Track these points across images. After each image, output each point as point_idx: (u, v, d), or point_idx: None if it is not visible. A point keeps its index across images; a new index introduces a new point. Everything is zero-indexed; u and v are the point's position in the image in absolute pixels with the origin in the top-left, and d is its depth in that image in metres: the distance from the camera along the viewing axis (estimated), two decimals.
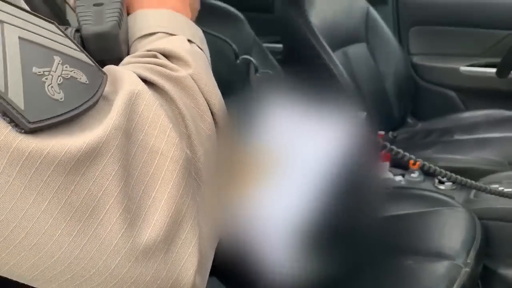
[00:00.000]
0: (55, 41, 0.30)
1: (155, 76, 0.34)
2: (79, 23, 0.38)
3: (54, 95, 0.27)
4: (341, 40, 1.70)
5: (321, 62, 1.55)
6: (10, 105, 0.25)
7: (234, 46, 0.69)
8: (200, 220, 0.32)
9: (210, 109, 0.36)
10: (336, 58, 1.60)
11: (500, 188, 1.08)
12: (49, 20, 0.32)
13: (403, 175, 1.51)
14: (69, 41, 0.31)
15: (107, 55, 0.37)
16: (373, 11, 1.82)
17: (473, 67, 1.80)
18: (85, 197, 0.27)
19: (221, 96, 0.38)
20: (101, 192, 0.27)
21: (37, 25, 0.30)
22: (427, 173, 1.45)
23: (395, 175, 1.51)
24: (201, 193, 0.33)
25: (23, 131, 0.26)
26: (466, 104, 1.87)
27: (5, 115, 0.25)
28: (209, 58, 0.43)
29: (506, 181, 1.23)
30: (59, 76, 0.28)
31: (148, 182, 0.29)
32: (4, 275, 0.29)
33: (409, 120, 1.93)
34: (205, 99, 0.36)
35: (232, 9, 1.30)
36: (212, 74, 0.39)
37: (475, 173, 1.33)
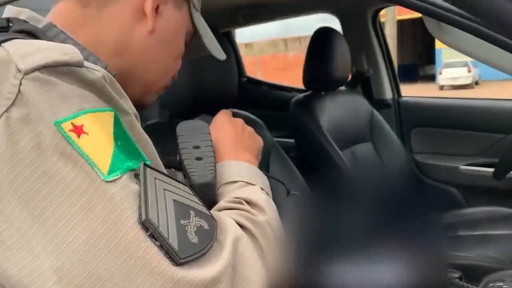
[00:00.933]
0: (189, 199, 0.44)
1: (244, 220, 0.48)
2: (187, 174, 0.52)
3: (192, 239, 0.41)
4: (349, 140, 1.85)
5: (331, 161, 1.69)
6: (171, 247, 0.39)
7: (286, 185, 0.84)
8: None
9: (279, 247, 0.49)
10: (344, 157, 1.74)
11: (504, 287, 1.15)
12: (184, 183, 0.46)
13: None
14: (196, 198, 0.45)
15: (205, 198, 0.50)
16: (377, 114, 2.00)
17: (472, 166, 1.94)
18: None
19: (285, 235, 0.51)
20: None
21: (179, 188, 0.44)
22: None
23: None
24: None
25: (175, 264, 0.39)
26: (467, 200, 1.98)
27: (166, 253, 0.39)
28: (271, 197, 0.58)
29: (509, 280, 1.30)
30: (194, 225, 0.42)
31: None
32: None
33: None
34: (276, 239, 0.49)
35: (252, 116, 1.44)
36: (279, 217, 0.53)
37: (480, 271, 1.40)
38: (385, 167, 1.94)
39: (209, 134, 0.61)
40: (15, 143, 0.40)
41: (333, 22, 2.22)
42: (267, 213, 0.51)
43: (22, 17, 0.56)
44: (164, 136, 0.76)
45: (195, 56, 0.77)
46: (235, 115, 1.42)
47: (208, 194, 0.52)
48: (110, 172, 0.40)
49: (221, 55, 0.73)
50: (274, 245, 0.48)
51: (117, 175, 0.41)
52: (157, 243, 0.39)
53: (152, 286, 0.38)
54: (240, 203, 0.51)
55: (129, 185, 0.41)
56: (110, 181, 0.40)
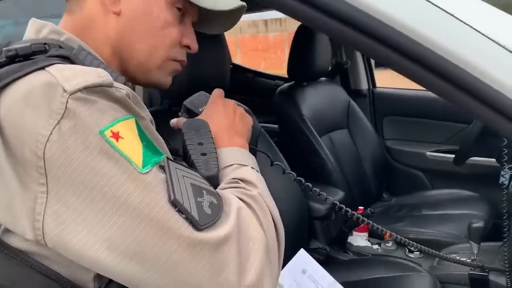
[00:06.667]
0: (201, 182, 0.58)
1: (242, 195, 0.62)
2: (195, 167, 0.64)
3: (207, 211, 0.55)
4: (327, 127, 2.02)
5: (311, 147, 1.86)
6: (193, 218, 0.53)
7: (270, 156, 0.96)
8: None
9: (270, 212, 0.63)
10: (323, 142, 1.91)
11: (457, 258, 1.35)
12: (195, 169, 0.61)
13: (379, 244, 1.78)
14: (206, 181, 0.59)
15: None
16: (353, 103, 2.17)
17: (437, 152, 2.14)
18: (221, 260, 0.54)
19: (275, 205, 0.65)
20: (229, 257, 0.54)
21: (193, 174, 0.58)
22: (399, 243, 1.73)
23: (372, 244, 1.78)
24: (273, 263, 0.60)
25: (197, 230, 0.53)
26: (432, 183, 2.19)
27: (191, 223, 0.53)
28: (260, 173, 0.70)
29: (462, 252, 1.51)
30: (207, 201, 0.56)
31: (248, 253, 0.56)
32: None
33: (385, 195, 2.23)
34: (267, 206, 0.63)
35: (241, 104, 1.58)
36: (268, 190, 0.67)
37: (438, 245, 1.61)
38: (359, 152, 2.12)
39: (210, 131, 0.71)
40: (67, 148, 0.51)
41: None
42: (258, 187, 0.64)
43: (45, 30, 0.67)
44: (162, 123, 0.81)
45: (205, 30, 0.80)
46: None
47: (213, 184, 0.63)
48: (144, 166, 0.54)
49: (223, 5, 0.72)
50: (266, 211, 0.62)
51: (149, 168, 0.53)
52: (183, 215, 0.53)
53: (181, 246, 0.52)
54: (237, 182, 0.64)
55: (159, 175, 0.54)
56: (145, 173, 0.53)
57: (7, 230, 0.56)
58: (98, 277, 0.57)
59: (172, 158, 0.59)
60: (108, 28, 0.68)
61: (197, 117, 0.79)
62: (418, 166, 2.21)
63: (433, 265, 1.56)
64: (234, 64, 2.68)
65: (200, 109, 0.82)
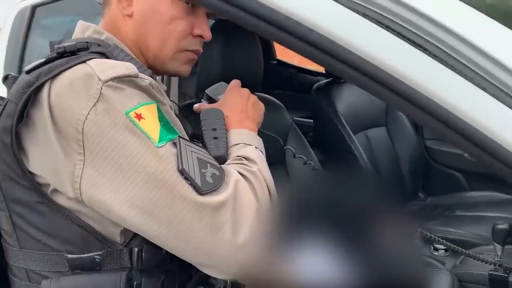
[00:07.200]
0: (207, 157, 0.69)
1: (243, 170, 0.72)
2: (206, 148, 0.75)
3: (209, 180, 0.66)
4: (363, 124, 2.05)
5: (344, 144, 1.91)
6: (196, 185, 0.64)
7: (280, 140, 1.05)
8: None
9: (267, 186, 0.73)
10: (357, 140, 1.95)
11: (479, 256, 1.36)
12: (203, 146, 0.72)
13: None
14: (211, 157, 0.70)
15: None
16: None
17: None
18: (218, 221, 0.64)
19: (273, 181, 0.74)
20: (225, 219, 0.64)
21: (201, 150, 0.69)
22: (427, 240, 1.74)
23: None
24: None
25: (199, 194, 0.64)
26: (470, 184, 2.16)
27: (194, 188, 0.64)
28: (264, 154, 0.80)
29: (486, 253, 1.51)
30: (210, 172, 0.66)
31: (242, 218, 0.65)
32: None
33: (420, 194, 2.23)
34: (265, 181, 0.73)
35: (273, 99, 1.65)
36: (268, 168, 0.76)
37: (464, 245, 1.61)
38: (396, 150, 2.14)
39: (223, 119, 0.82)
40: (101, 125, 0.63)
41: None
42: (258, 164, 0.74)
43: (89, 31, 0.81)
44: (195, 113, 0.93)
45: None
46: (259, 98, 1.63)
47: (221, 163, 0.74)
48: (159, 141, 0.66)
49: None
50: (264, 185, 0.72)
51: (164, 143, 0.65)
52: (188, 182, 0.64)
53: (186, 207, 0.63)
54: (240, 159, 0.75)
55: (171, 149, 0.66)
56: (160, 147, 0.65)
57: (54, 190, 0.69)
58: (124, 232, 0.70)
59: (186, 138, 0.71)
60: (126, 29, 0.81)
61: (215, 103, 0.91)
62: (456, 167, 2.19)
63: (455, 264, 1.57)
64: (278, 60, 2.76)
65: (219, 96, 0.94)
